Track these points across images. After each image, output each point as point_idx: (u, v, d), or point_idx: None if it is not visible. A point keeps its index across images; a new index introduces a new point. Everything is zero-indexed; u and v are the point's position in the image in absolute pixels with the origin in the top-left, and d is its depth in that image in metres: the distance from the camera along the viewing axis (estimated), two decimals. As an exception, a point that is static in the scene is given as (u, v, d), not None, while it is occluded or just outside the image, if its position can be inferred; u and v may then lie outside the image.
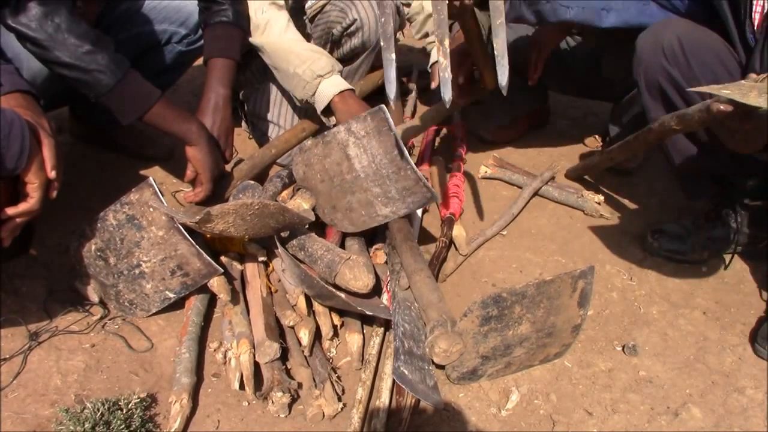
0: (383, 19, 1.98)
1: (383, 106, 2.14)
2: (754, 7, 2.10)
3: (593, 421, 1.89)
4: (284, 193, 2.40)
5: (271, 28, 2.67)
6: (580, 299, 1.98)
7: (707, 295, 2.38)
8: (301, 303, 2.06)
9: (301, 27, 2.84)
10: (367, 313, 2.00)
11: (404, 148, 2.12)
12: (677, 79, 2.26)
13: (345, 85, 2.63)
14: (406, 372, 1.78)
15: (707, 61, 2.22)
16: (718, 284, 2.44)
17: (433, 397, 1.81)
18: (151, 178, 2.11)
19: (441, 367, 1.96)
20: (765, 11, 2.08)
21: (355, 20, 2.91)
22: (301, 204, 2.26)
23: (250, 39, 2.70)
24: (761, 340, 2.14)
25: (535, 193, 2.89)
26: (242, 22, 2.48)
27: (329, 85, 2.60)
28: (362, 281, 2.01)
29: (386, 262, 2.29)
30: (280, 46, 2.66)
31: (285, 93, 3.00)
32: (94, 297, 2.13)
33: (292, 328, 2.05)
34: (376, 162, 2.16)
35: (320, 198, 2.29)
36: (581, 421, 1.89)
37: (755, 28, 2.11)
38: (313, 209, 2.29)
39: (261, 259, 2.22)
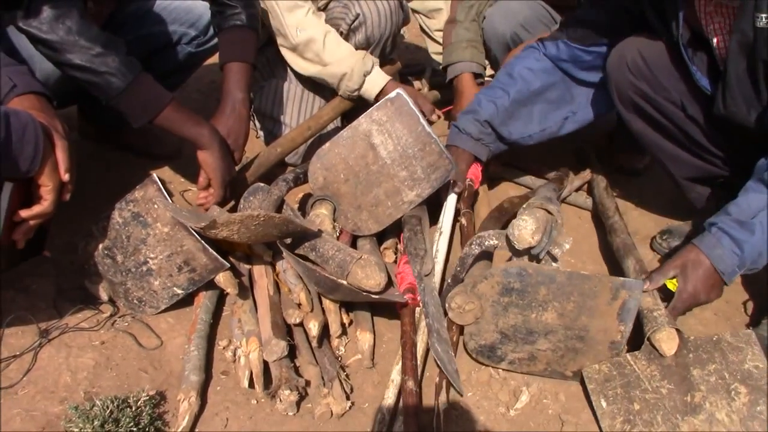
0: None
1: (399, 90, 2.31)
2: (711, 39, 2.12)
3: (601, 422, 1.89)
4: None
5: (312, 47, 2.80)
6: (620, 312, 1.92)
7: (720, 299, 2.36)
8: (303, 297, 2.05)
9: None
10: (374, 298, 2.01)
11: (427, 123, 2.28)
12: (646, 92, 2.34)
13: (386, 77, 2.88)
14: (439, 349, 1.89)
15: (671, 69, 2.28)
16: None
17: (456, 380, 1.88)
18: (154, 175, 2.14)
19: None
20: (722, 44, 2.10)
21: (358, 15, 2.93)
22: (323, 214, 2.28)
23: (290, 59, 2.89)
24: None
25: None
26: (256, 24, 2.48)
27: (373, 81, 2.84)
28: (374, 280, 2.01)
29: (406, 247, 2.27)
30: (324, 70, 2.84)
31: (291, 90, 3.01)
32: (103, 295, 2.14)
33: (299, 325, 2.05)
34: (402, 143, 2.29)
35: (343, 202, 2.32)
36: (590, 421, 1.88)
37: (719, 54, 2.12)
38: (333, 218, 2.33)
39: (267, 260, 2.22)
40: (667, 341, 1.90)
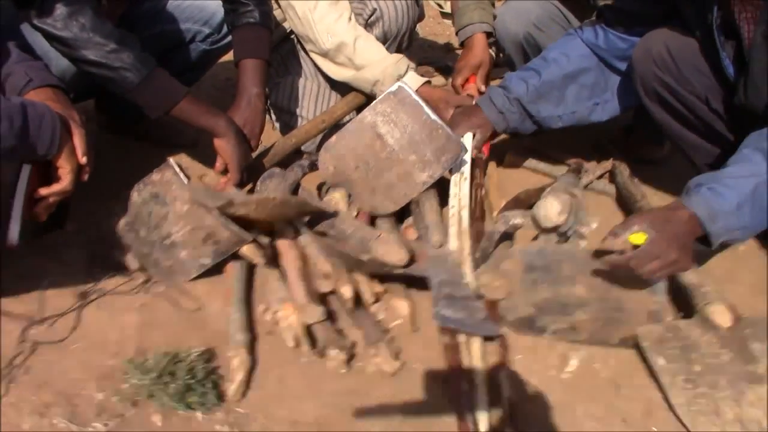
0: None
1: (400, 83, 2.33)
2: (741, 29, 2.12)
3: (655, 385, 1.87)
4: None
5: (343, 51, 2.77)
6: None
7: (750, 272, 2.35)
8: (326, 266, 2.02)
9: None
10: (396, 271, 2.02)
11: (432, 110, 2.29)
12: (671, 85, 2.34)
13: (421, 79, 2.80)
14: (448, 314, 1.88)
15: (697, 64, 2.29)
16: (759, 263, 2.43)
17: (486, 327, 1.87)
18: (171, 159, 2.18)
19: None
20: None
21: (375, 10, 2.95)
22: (337, 197, 2.29)
23: (322, 65, 2.87)
24: None
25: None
26: (269, 22, 2.52)
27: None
28: (396, 256, 2.01)
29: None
30: (358, 75, 2.80)
31: (307, 86, 3.01)
32: (133, 264, 2.12)
33: (331, 293, 2.03)
34: (408, 131, 2.29)
35: (356, 187, 2.32)
36: (643, 387, 1.87)
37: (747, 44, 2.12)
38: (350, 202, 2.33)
39: (291, 235, 2.19)
40: (720, 314, 1.89)
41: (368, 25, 2.97)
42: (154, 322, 1.91)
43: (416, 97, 2.28)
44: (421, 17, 3.29)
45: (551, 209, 1.94)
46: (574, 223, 1.97)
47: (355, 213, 2.31)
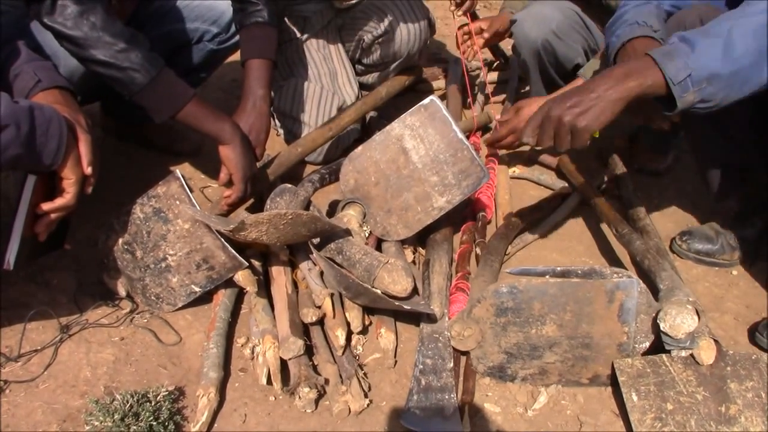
0: None
1: (433, 96, 2.29)
2: None
3: (621, 423, 1.88)
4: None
5: None
6: (620, 313, 1.91)
7: (738, 299, 2.35)
8: (327, 304, 2.04)
9: None
10: (406, 308, 2.00)
11: (459, 129, 2.27)
12: None
13: None
14: (417, 413, 1.84)
15: None
16: (749, 288, 2.41)
17: (448, 427, 1.82)
18: (177, 171, 2.14)
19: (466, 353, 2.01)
20: None
21: (387, 32, 2.97)
22: (350, 215, 2.28)
23: None
24: (762, 329, 2.14)
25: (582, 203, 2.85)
26: (277, 21, 2.50)
27: None
28: (401, 285, 2.00)
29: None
30: None
31: (310, 89, 3.02)
32: (122, 291, 2.15)
33: (316, 324, 2.05)
34: (434, 149, 2.28)
35: (373, 205, 2.32)
36: (608, 423, 1.88)
37: None
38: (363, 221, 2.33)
39: (284, 258, 2.22)
40: (706, 350, 1.88)
41: (378, 43, 3.02)
42: (129, 359, 1.94)
43: (446, 113, 2.27)
44: (432, 33, 3.29)
45: (687, 325, 1.86)
46: (684, 347, 1.90)
47: (366, 233, 2.32)
